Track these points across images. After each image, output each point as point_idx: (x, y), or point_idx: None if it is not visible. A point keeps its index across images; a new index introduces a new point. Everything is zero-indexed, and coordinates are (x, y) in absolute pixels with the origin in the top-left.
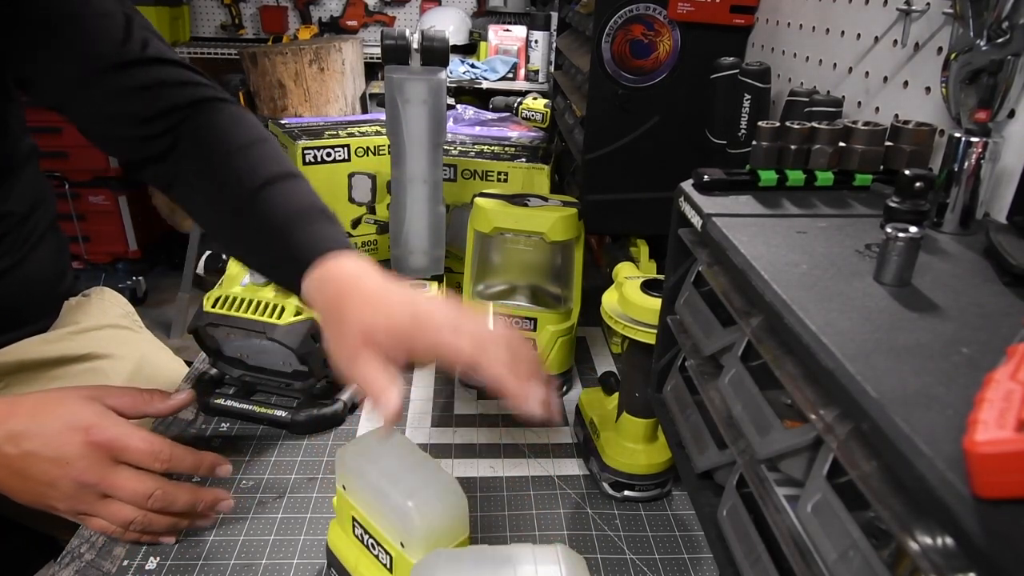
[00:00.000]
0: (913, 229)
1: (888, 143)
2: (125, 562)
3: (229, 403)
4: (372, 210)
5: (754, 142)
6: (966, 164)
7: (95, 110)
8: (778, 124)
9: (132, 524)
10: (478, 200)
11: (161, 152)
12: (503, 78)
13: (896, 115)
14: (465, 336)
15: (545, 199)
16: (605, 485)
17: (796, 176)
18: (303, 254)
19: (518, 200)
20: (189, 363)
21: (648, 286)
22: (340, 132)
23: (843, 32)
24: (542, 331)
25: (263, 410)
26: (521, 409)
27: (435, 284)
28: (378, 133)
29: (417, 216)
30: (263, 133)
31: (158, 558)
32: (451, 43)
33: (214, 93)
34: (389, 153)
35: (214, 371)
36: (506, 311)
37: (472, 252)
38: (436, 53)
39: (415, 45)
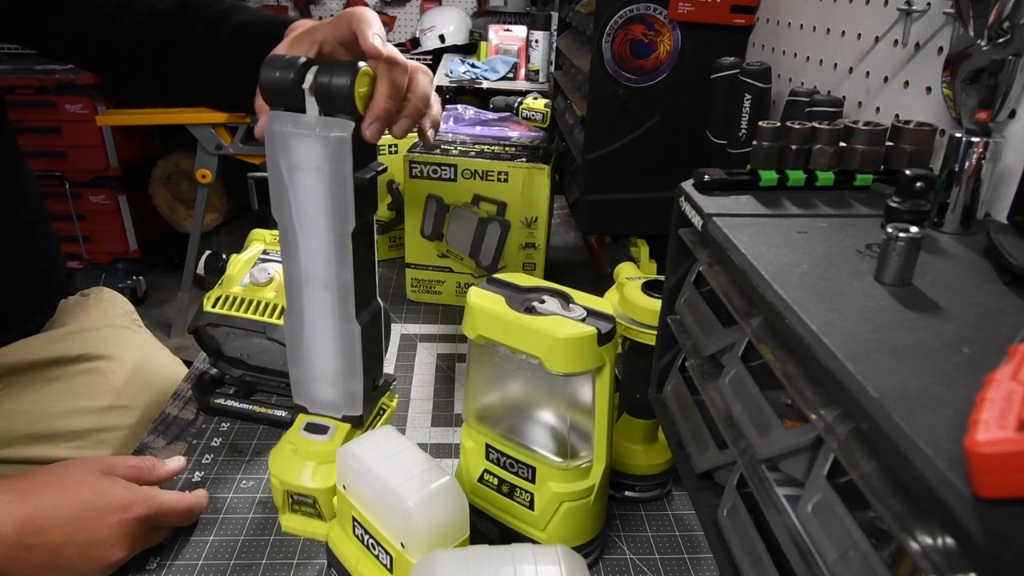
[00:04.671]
0: (914, 229)
1: (889, 143)
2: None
3: (229, 403)
4: None
5: (754, 142)
6: (967, 164)
7: (103, 51)
8: (779, 124)
9: None
10: (472, 290)
11: (154, 61)
12: (503, 78)
13: (897, 115)
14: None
15: (567, 299)
16: None
17: (797, 176)
18: (279, 29)
19: (531, 295)
20: (189, 363)
21: (649, 287)
22: None
23: (843, 32)
24: (540, 488)
25: (263, 410)
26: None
27: (345, 428)
28: None
29: (320, 333)
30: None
31: (158, 558)
32: (451, 43)
33: None
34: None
35: (214, 371)
36: (501, 447)
37: (469, 358)
38: (335, 99)
39: (306, 84)
